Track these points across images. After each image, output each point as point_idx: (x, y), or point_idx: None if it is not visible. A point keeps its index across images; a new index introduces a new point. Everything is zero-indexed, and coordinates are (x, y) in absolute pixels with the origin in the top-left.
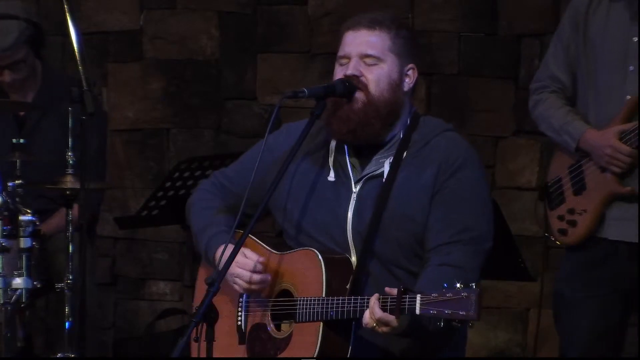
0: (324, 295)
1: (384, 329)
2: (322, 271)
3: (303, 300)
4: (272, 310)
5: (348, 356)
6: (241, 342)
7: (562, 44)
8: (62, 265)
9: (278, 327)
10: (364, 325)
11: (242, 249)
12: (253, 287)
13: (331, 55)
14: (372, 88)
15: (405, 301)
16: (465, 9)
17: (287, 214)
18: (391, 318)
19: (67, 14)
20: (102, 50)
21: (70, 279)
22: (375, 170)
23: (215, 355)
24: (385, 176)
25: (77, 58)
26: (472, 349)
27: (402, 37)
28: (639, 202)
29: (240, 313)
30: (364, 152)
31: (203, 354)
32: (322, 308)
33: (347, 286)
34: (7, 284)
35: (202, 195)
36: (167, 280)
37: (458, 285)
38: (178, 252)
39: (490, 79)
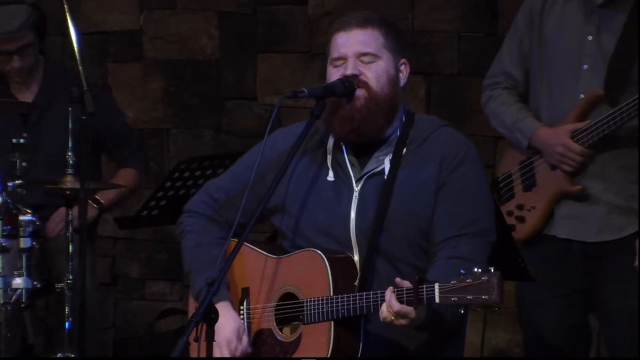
0: (331, 294)
1: (402, 321)
2: (327, 271)
3: (310, 301)
4: (276, 314)
5: (360, 353)
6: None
7: (517, 41)
8: (62, 266)
9: (283, 331)
10: (381, 319)
11: (241, 329)
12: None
13: None
14: (373, 85)
15: (422, 291)
16: (465, 9)
17: (286, 216)
18: (409, 309)
19: (67, 14)
20: (102, 50)
21: (70, 279)
22: (376, 168)
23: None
24: (386, 173)
25: (77, 58)
26: (472, 349)
27: (392, 33)
28: None
29: (242, 321)
30: (362, 150)
31: (203, 354)
32: (332, 307)
33: (355, 283)
34: (7, 284)
35: (194, 223)
36: (167, 280)
37: (476, 269)
38: (178, 252)
39: None
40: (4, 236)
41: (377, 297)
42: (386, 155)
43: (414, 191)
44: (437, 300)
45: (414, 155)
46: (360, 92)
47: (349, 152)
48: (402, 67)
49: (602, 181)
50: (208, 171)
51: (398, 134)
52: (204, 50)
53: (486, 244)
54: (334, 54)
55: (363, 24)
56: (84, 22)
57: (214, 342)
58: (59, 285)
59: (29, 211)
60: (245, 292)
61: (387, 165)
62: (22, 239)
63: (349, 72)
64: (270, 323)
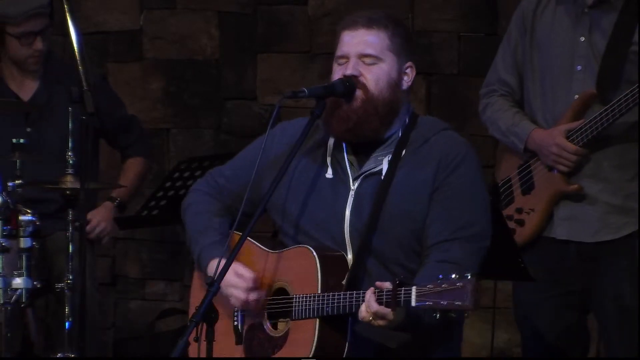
0: (319, 292)
1: (380, 322)
2: (317, 268)
3: (299, 297)
4: (268, 309)
5: (345, 352)
6: (238, 342)
7: (510, 48)
8: (62, 266)
9: (275, 326)
10: (360, 319)
11: (235, 267)
12: (252, 306)
13: (331, 55)
14: (372, 87)
15: (400, 294)
16: (465, 9)
17: (287, 213)
18: (387, 311)
19: (67, 14)
20: (102, 50)
21: (70, 279)
22: (374, 168)
23: (214, 356)
24: (383, 174)
25: (77, 58)
26: (472, 349)
27: (399, 36)
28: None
29: (236, 314)
30: (362, 149)
31: (203, 354)
32: (318, 304)
33: (343, 282)
34: (7, 284)
35: (197, 197)
36: (167, 280)
37: (453, 275)
38: (178, 252)
39: None
40: (4, 236)
41: (360, 297)
42: (385, 156)
43: (409, 193)
44: (413, 303)
45: (412, 157)
46: (359, 94)
47: (349, 151)
48: (408, 70)
49: (598, 181)
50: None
51: (399, 135)
52: (204, 50)
53: (479, 248)
54: (339, 51)
55: (369, 24)
56: (84, 22)
57: (226, 294)
58: (59, 285)
59: (29, 211)
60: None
61: (385, 166)
62: (22, 239)
63: (348, 72)
64: (262, 317)
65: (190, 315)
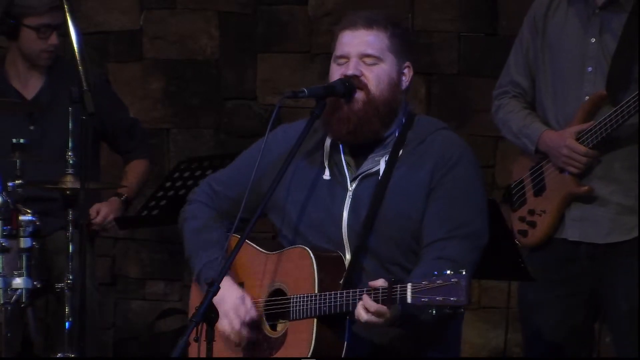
0: (316, 292)
1: (377, 320)
2: (313, 268)
3: (296, 297)
4: (265, 310)
5: (343, 352)
6: (237, 344)
7: (522, 50)
8: (62, 266)
9: (274, 327)
10: (356, 317)
11: (244, 296)
12: (240, 337)
13: (331, 55)
14: (373, 87)
15: (396, 291)
16: (465, 9)
17: (285, 215)
18: (384, 309)
19: (67, 14)
20: (102, 50)
21: (70, 279)
22: (371, 169)
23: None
24: (381, 174)
25: (77, 58)
26: (472, 349)
27: (398, 36)
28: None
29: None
30: (360, 150)
31: (203, 354)
32: (315, 304)
33: (340, 282)
34: (7, 284)
35: (195, 210)
36: (167, 280)
37: (448, 272)
38: (178, 252)
39: (490, 79)
40: (4, 236)
41: (357, 295)
42: (382, 156)
43: (406, 193)
44: (409, 300)
45: (409, 157)
46: (359, 95)
47: (346, 152)
48: (406, 70)
49: (610, 183)
50: (208, 171)
51: (397, 135)
52: (204, 50)
53: (475, 247)
54: (338, 51)
55: (369, 24)
56: (84, 22)
57: (220, 313)
58: (59, 285)
59: (29, 211)
60: (240, 287)
61: (382, 166)
62: (22, 239)
63: (349, 72)
64: (260, 318)
65: (190, 316)
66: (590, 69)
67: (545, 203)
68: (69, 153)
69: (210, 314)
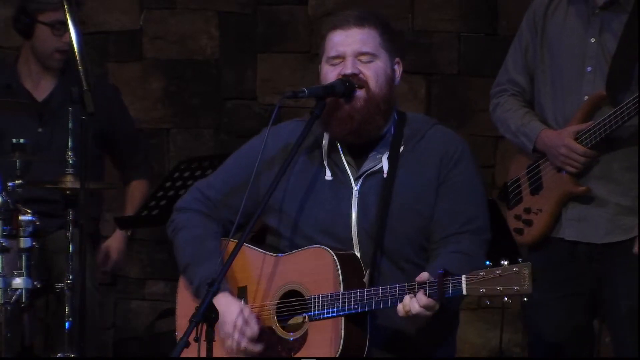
0: (342, 290)
1: (426, 313)
2: (337, 267)
3: (318, 297)
4: (277, 312)
5: (366, 348)
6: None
7: (521, 48)
8: (62, 266)
9: (286, 329)
10: (403, 313)
11: (249, 317)
12: (249, 353)
13: None
14: (372, 85)
15: (448, 284)
16: (465, 9)
17: (283, 215)
18: (433, 302)
19: (67, 14)
20: (102, 50)
21: (70, 279)
22: (374, 167)
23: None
24: (385, 172)
25: (77, 58)
26: (473, 348)
27: (388, 32)
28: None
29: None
30: (358, 149)
31: (203, 354)
32: (344, 303)
33: (364, 279)
34: (7, 284)
35: (186, 220)
36: (167, 280)
37: (504, 262)
38: None
39: (490, 79)
40: (4, 236)
41: (396, 291)
42: (383, 154)
43: (415, 190)
44: (464, 292)
45: (411, 154)
46: (360, 93)
47: (345, 152)
48: (396, 67)
49: (608, 183)
50: (208, 171)
51: (392, 132)
52: (204, 50)
53: (484, 241)
54: (331, 52)
55: (361, 22)
56: (84, 22)
57: (223, 334)
58: (59, 285)
59: (29, 211)
60: (242, 291)
61: (385, 164)
62: (22, 239)
63: (348, 71)
64: (271, 321)
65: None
66: (589, 68)
67: (542, 202)
68: (69, 153)
69: (210, 314)
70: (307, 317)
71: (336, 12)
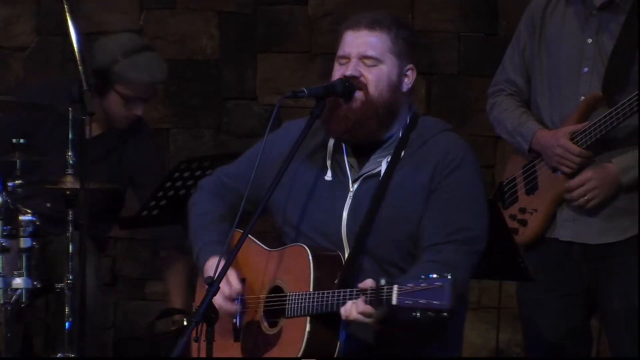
0: (311, 290)
1: (365, 320)
2: (310, 266)
3: (292, 295)
4: (265, 306)
5: (337, 351)
6: (236, 339)
7: (519, 48)
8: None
9: (274, 324)
10: (344, 317)
11: (228, 274)
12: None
13: (331, 55)
14: (371, 89)
15: (383, 292)
16: (465, 9)
17: (287, 215)
18: (370, 310)
19: (67, 14)
20: None
21: (70, 279)
22: (373, 170)
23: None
24: (382, 175)
25: (77, 58)
26: (472, 348)
27: (402, 38)
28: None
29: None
30: (362, 151)
31: (203, 354)
32: (309, 302)
33: (335, 281)
34: (7, 284)
35: (202, 197)
36: None
37: (434, 275)
38: None
39: (490, 79)
40: (4, 236)
41: (347, 295)
42: (385, 157)
43: (406, 195)
44: (394, 302)
45: (411, 158)
46: (358, 95)
47: (349, 153)
48: (409, 72)
49: None
50: (208, 171)
51: (399, 136)
52: (204, 50)
53: (473, 252)
54: (340, 51)
55: (372, 25)
56: (84, 22)
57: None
58: (59, 285)
59: (29, 211)
60: (242, 283)
61: (384, 167)
62: (22, 239)
63: (348, 72)
64: (259, 315)
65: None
66: (586, 69)
67: (537, 202)
68: (69, 153)
69: (210, 314)
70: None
71: (338, 13)
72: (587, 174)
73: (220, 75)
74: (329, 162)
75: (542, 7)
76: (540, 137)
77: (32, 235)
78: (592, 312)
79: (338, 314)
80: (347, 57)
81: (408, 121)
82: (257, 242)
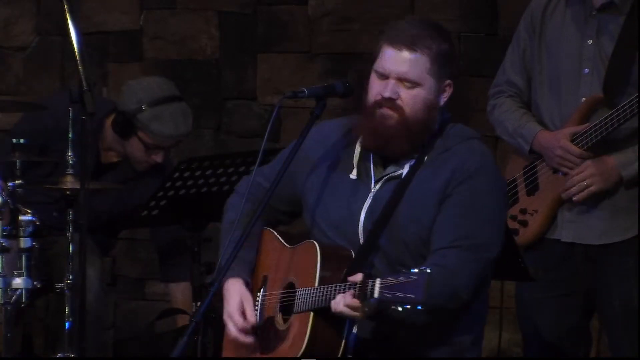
0: (316, 285)
1: (353, 313)
2: (317, 262)
3: (300, 291)
4: (280, 302)
5: (341, 350)
6: (254, 334)
7: (519, 49)
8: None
9: (285, 321)
10: (332, 310)
11: (245, 305)
12: (240, 341)
13: (331, 55)
14: (407, 110)
15: (367, 286)
16: (465, 9)
17: (314, 213)
18: (356, 303)
19: (67, 14)
20: (102, 50)
21: (70, 279)
22: (395, 172)
23: (230, 349)
24: (403, 177)
25: (77, 58)
26: None
27: (442, 55)
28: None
29: (256, 307)
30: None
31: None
32: (312, 297)
33: (341, 277)
34: (7, 284)
35: (232, 202)
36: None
37: (414, 270)
38: None
39: (490, 79)
40: (4, 236)
41: (339, 289)
42: (409, 161)
43: (421, 199)
44: (375, 295)
45: (432, 163)
46: (393, 114)
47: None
48: (447, 88)
49: None
50: (208, 171)
51: (427, 141)
52: (204, 50)
53: (479, 260)
54: (379, 66)
55: (413, 46)
56: (84, 22)
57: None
58: (59, 285)
59: (29, 211)
60: (264, 279)
61: (406, 170)
62: (22, 239)
63: (386, 95)
64: (274, 311)
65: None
66: (586, 70)
67: (537, 203)
68: (69, 153)
69: (210, 314)
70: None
71: (338, 13)
72: (586, 163)
73: (220, 75)
74: (355, 161)
75: (542, 8)
76: (541, 139)
77: (32, 235)
78: (591, 313)
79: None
80: (386, 75)
81: (437, 127)
82: (280, 238)
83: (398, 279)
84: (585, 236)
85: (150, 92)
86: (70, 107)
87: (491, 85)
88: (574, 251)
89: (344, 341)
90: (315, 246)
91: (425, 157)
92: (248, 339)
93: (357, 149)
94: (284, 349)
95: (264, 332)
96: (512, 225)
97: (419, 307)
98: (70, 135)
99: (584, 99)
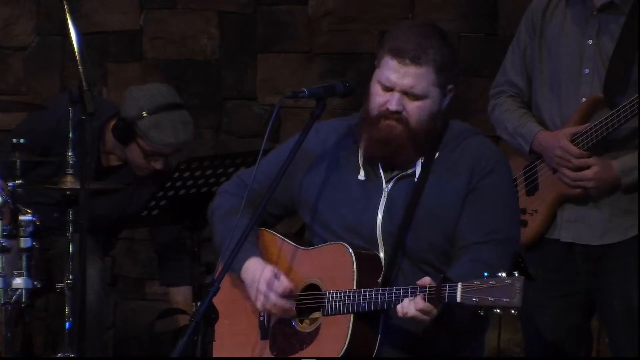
0: (354, 288)
1: (424, 318)
2: (352, 265)
3: (332, 293)
4: (298, 304)
5: (376, 348)
6: (264, 337)
7: (519, 49)
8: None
9: (303, 322)
10: (401, 314)
11: (274, 269)
12: (274, 310)
13: (331, 55)
14: (413, 122)
15: (445, 290)
16: (465, 9)
17: (317, 213)
18: (431, 307)
19: (67, 14)
20: (102, 50)
21: (70, 279)
22: (407, 170)
23: (235, 352)
24: (417, 176)
25: (77, 58)
26: None
27: (445, 63)
28: None
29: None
30: None
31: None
32: (354, 300)
33: (379, 280)
34: (7, 284)
35: (223, 200)
36: None
37: (500, 274)
38: None
39: (490, 79)
40: (4, 236)
41: (400, 292)
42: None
43: (443, 196)
44: (458, 299)
45: (445, 160)
46: (398, 126)
47: None
48: (449, 92)
49: None
50: (208, 171)
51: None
52: (204, 50)
53: (509, 253)
54: (383, 77)
55: (418, 59)
56: (84, 22)
57: (254, 293)
58: (59, 285)
59: (29, 211)
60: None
61: (418, 168)
62: (22, 239)
63: (393, 108)
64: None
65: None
66: (587, 71)
67: (537, 202)
68: (69, 153)
69: (210, 314)
70: (322, 311)
71: (338, 13)
72: (592, 165)
73: (220, 75)
74: (361, 162)
75: (542, 8)
76: (541, 139)
77: (32, 235)
78: (591, 313)
79: (379, 313)
80: (391, 88)
81: (440, 124)
82: (286, 239)
83: (488, 283)
84: (585, 236)
85: (151, 99)
86: (71, 107)
87: (491, 86)
88: (574, 251)
89: (378, 342)
90: (347, 249)
91: (437, 154)
92: (289, 305)
93: (362, 150)
94: (313, 351)
95: (278, 333)
96: None
97: (513, 312)
98: (70, 136)
99: (584, 99)
